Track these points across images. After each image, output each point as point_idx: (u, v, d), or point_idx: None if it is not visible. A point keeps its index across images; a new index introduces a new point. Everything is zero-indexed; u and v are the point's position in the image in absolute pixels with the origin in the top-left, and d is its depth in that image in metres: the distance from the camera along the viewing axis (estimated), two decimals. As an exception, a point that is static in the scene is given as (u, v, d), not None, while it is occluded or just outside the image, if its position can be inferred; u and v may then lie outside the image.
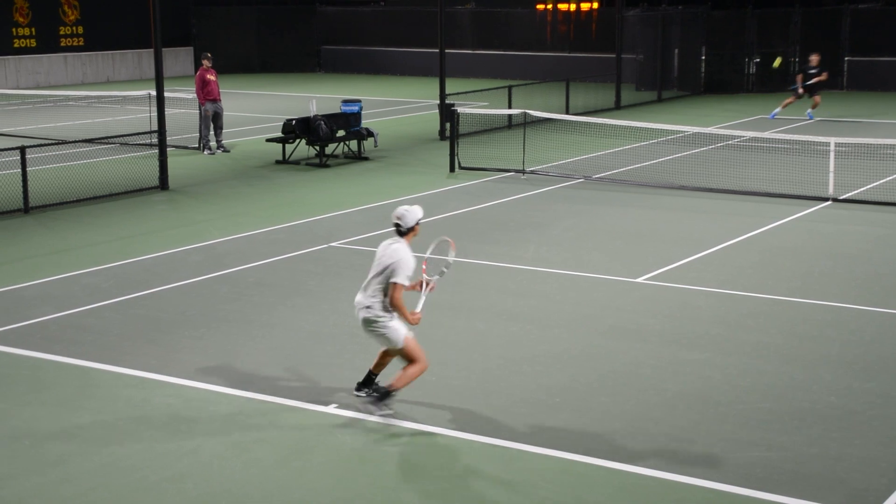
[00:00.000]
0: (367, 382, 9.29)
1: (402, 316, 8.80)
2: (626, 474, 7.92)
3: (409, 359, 8.90)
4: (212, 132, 23.56)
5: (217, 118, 23.51)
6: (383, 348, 9.11)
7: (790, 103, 27.64)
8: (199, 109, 23.64)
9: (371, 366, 9.31)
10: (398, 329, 8.82)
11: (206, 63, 23.35)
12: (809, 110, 27.71)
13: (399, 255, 8.75)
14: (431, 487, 7.77)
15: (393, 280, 8.68)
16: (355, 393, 9.32)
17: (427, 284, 9.17)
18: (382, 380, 9.32)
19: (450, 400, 9.31)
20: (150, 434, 8.67)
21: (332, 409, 9.10)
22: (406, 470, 8.04)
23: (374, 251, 9.07)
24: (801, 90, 27.28)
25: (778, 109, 28.14)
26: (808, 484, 7.75)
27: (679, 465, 8.03)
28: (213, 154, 23.26)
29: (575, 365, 10.20)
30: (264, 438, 8.56)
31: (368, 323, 8.81)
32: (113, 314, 11.88)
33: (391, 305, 8.74)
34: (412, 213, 8.96)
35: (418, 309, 9.02)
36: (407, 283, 8.77)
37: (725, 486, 7.69)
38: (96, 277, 13.41)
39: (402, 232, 8.95)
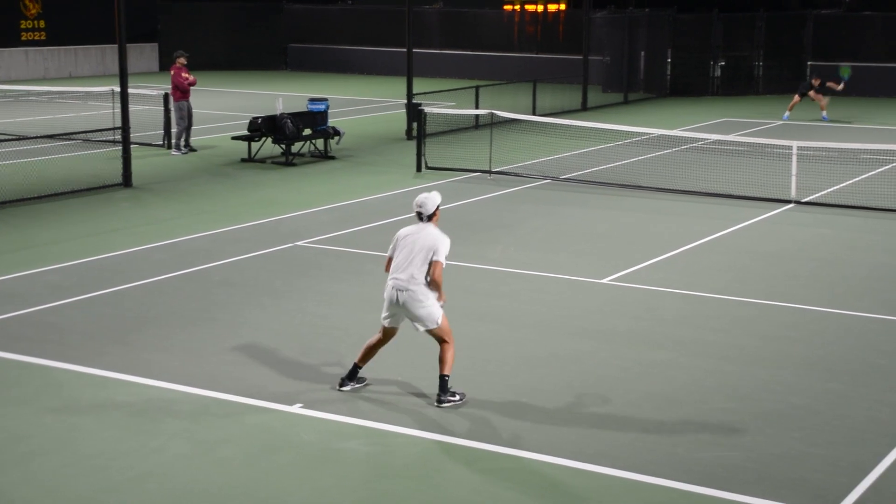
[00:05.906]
0: (352, 376, 9.48)
1: (440, 292, 9.19)
2: (590, 475, 7.94)
3: (442, 337, 9.20)
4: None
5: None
6: (371, 342, 9.43)
7: (797, 104, 29.17)
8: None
9: (357, 359, 9.49)
10: (438, 308, 9.16)
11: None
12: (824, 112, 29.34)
13: (440, 237, 9.15)
14: (394, 486, 7.76)
15: (436, 259, 9.07)
16: (340, 388, 9.45)
17: None
18: (370, 372, 9.30)
19: (415, 400, 9.30)
20: (113, 434, 8.60)
21: (297, 409, 9.07)
22: (369, 469, 8.03)
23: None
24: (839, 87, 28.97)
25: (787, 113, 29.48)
26: (770, 483, 7.81)
27: (644, 466, 8.07)
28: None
29: (542, 366, 10.23)
30: (229, 438, 8.52)
31: (411, 301, 9.05)
32: (76, 313, 11.77)
33: (434, 282, 9.10)
34: (431, 200, 9.29)
35: None
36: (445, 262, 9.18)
37: (689, 486, 7.73)
38: (59, 275, 13.28)
39: (424, 218, 9.26)
